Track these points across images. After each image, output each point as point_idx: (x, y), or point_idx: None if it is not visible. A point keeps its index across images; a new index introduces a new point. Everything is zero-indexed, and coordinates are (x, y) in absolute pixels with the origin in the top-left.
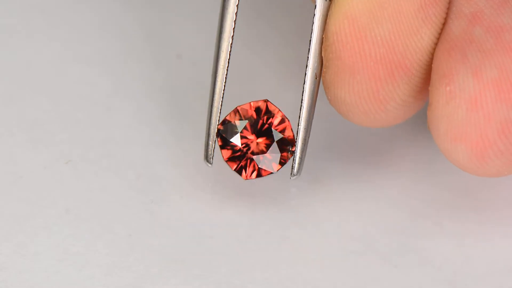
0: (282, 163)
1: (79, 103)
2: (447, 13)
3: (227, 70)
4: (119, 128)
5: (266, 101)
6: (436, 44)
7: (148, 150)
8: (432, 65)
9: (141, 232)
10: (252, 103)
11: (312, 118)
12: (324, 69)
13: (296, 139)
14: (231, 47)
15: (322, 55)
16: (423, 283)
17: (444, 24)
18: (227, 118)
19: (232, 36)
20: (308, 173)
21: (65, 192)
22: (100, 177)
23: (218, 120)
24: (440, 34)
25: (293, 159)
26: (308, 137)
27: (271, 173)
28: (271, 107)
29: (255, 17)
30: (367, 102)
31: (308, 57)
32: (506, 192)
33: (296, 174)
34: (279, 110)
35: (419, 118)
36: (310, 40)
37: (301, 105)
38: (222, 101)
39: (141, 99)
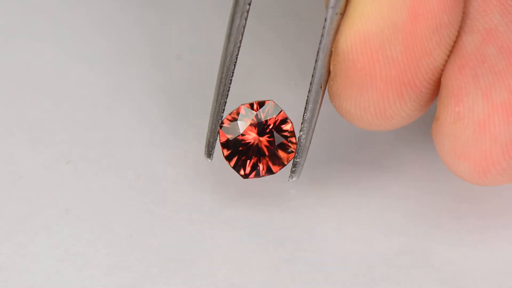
0: (281, 164)
1: (79, 103)
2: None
3: (233, 70)
4: (119, 128)
5: (270, 101)
6: (446, 60)
7: (148, 150)
8: (442, 80)
9: (141, 232)
10: (256, 103)
11: (315, 125)
12: (331, 82)
13: (298, 142)
14: (238, 49)
15: (330, 68)
16: (422, 284)
17: (457, 37)
18: (230, 115)
19: (241, 40)
20: (308, 174)
21: (65, 192)
22: (100, 177)
23: (221, 118)
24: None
25: (293, 163)
26: (310, 143)
27: (270, 174)
28: (275, 107)
29: (261, 18)
30: (373, 117)
31: (314, 67)
32: (506, 194)
33: (294, 178)
34: (283, 111)
35: (421, 121)
36: (318, 51)
37: (304, 113)
38: (226, 100)
39: (141, 99)
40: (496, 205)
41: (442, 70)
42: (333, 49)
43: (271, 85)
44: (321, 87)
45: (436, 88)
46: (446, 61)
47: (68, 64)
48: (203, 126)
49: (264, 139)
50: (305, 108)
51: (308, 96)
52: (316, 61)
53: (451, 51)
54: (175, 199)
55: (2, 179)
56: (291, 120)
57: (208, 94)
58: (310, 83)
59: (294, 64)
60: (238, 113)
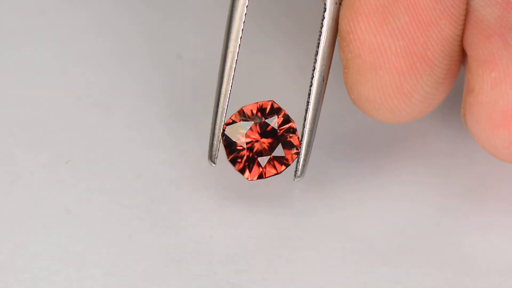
0: (285, 164)
1: (78, 103)
2: (470, 1)
3: (234, 70)
4: (118, 128)
5: (271, 101)
6: (457, 34)
7: (147, 150)
8: (469, 53)
9: (141, 232)
10: (257, 104)
11: (318, 121)
12: (345, 70)
13: (301, 141)
14: (239, 47)
15: (341, 56)
16: (422, 283)
17: (468, 11)
18: (232, 118)
19: (241, 37)
20: (309, 174)
21: (64, 192)
22: (99, 177)
23: (224, 120)
24: (463, 23)
25: (297, 161)
26: (313, 139)
27: (275, 174)
28: (276, 108)
29: (260, 17)
30: (392, 97)
31: (315, 60)
32: (506, 192)
33: (300, 176)
34: (284, 110)
35: (420, 122)
36: (319, 43)
37: (307, 107)
38: (228, 101)
39: (141, 99)
40: (496, 203)
41: (453, 45)
42: (338, 37)
43: (272, 85)
44: (323, 80)
45: (450, 64)
46: (457, 35)
47: (68, 64)
48: (203, 126)
49: (267, 139)
50: (307, 103)
51: (310, 90)
52: (316, 53)
53: (465, 26)
54: (174, 199)
55: (1, 178)
56: (293, 119)
57: (208, 94)
58: (312, 77)
59: (296, 64)
60: (240, 115)
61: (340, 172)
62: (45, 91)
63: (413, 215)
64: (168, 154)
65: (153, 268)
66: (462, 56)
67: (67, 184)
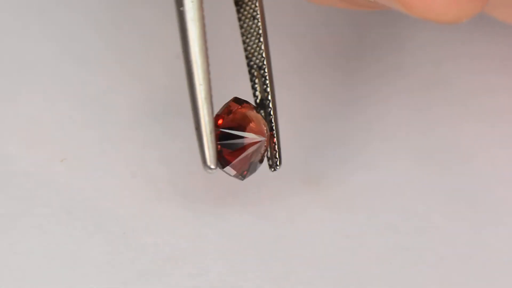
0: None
1: (74, 101)
2: None
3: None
4: (114, 127)
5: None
6: None
7: (142, 149)
8: None
9: (135, 230)
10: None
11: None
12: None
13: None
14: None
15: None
16: (416, 281)
17: None
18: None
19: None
20: (302, 172)
21: (59, 190)
22: (94, 175)
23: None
24: None
25: (275, 151)
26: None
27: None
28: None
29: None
30: None
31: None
32: (500, 190)
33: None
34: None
35: (414, 118)
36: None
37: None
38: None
39: (136, 98)
40: (490, 202)
41: None
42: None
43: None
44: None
45: None
46: None
47: (64, 63)
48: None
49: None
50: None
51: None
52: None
53: None
54: (169, 197)
55: None
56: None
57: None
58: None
59: (287, 62)
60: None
61: (332, 170)
62: (40, 90)
63: (406, 213)
64: (163, 153)
65: (147, 267)
66: None
67: (61, 182)
